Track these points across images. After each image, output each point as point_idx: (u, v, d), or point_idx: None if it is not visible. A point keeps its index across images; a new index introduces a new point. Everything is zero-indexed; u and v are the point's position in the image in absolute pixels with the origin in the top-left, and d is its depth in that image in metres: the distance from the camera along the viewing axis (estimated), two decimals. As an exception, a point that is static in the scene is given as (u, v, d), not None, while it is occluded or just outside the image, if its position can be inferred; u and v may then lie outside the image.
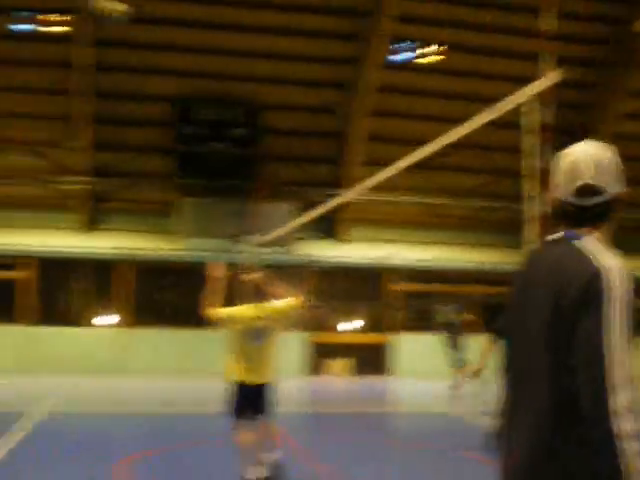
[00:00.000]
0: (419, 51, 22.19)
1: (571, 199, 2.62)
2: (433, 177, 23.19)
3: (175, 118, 22.23)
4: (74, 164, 22.18)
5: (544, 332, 2.48)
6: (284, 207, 20.24)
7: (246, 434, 7.71)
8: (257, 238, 16.24)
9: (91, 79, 21.24)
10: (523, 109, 7.38)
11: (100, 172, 22.38)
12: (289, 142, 22.83)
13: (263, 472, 7.59)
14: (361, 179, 16.91)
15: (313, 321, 22.16)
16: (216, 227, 21.30)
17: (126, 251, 21.78)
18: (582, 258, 2.47)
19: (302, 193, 21.16)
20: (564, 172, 2.65)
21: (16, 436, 10.63)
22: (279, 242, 20.55)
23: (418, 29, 21.92)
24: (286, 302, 8.09)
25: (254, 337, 7.76)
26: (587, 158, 2.62)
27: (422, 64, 22.34)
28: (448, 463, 9.68)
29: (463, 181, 23.77)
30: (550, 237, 2.68)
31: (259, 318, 7.82)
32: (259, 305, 7.91)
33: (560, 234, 2.64)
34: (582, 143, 2.70)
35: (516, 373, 2.65)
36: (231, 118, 22.47)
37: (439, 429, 13.03)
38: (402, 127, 22.02)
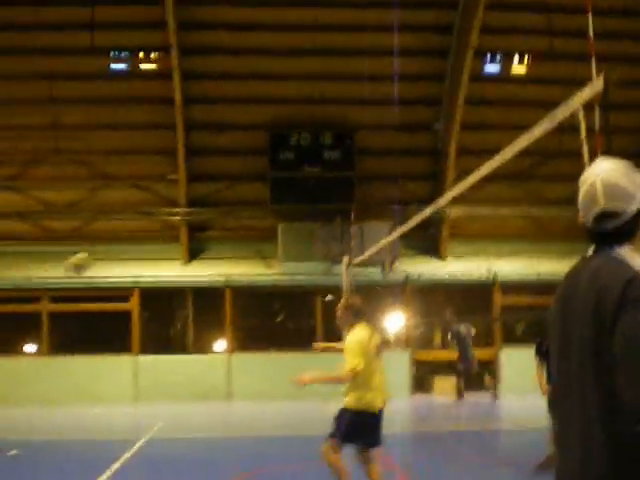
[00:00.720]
0: (506, 62, 21.88)
1: (592, 226, 2.77)
2: (535, 188, 22.81)
3: (269, 145, 22.52)
4: (174, 196, 22.76)
5: (587, 341, 2.57)
6: (382, 226, 20.18)
7: (341, 459, 7.64)
8: (356, 259, 16.19)
9: (185, 112, 21.77)
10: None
11: (198, 202, 22.89)
12: (384, 161, 22.81)
13: None
14: (459, 193, 16.83)
15: (416, 339, 21.98)
16: (314, 250, 21.42)
17: (225, 278, 22.13)
18: (618, 266, 2.61)
19: (400, 211, 21.04)
20: (582, 200, 2.80)
21: (128, 461, 10.88)
22: (379, 262, 20.54)
23: (503, 39, 21.65)
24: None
25: (376, 355, 7.72)
26: (600, 184, 2.72)
27: (511, 74, 22.04)
28: None
29: (564, 190, 23.25)
30: (586, 255, 2.83)
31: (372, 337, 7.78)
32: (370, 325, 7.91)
33: (594, 250, 2.79)
34: (597, 165, 2.82)
35: (562, 387, 2.72)
36: (324, 141, 22.60)
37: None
38: (495, 139, 21.69)
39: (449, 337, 19.43)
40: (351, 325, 7.82)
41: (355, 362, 7.42)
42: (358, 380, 7.48)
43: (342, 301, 8.10)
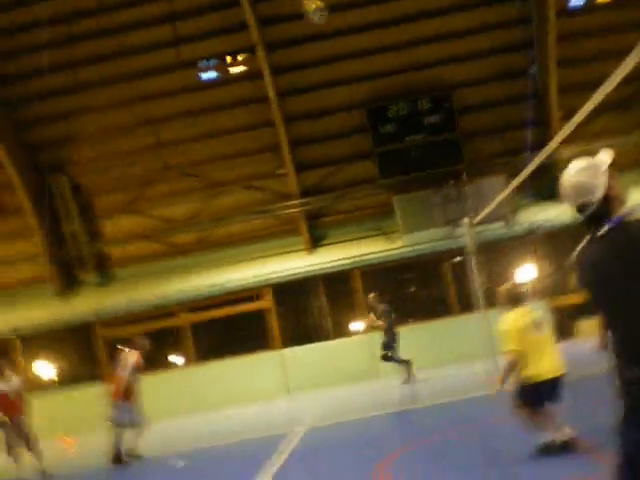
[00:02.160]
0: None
1: (579, 214, 3.65)
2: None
3: (368, 122, 22.54)
4: (286, 189, 23.12)
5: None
6: (496, 181, 19.93)
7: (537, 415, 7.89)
8: (478, 218, 16.07)
9: (281, 106, 22.05)
10: None
11: (310, 191, 23.16)
12: (485, 116, 22.52)
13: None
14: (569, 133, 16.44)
15: (552, 287, 21.63)
16: (433, 217, 21.35)
17: (351, 260, 22.31)
18: None
19: (511, 162, 20.72)
20: (564, 198, 3.73)
21: (293, 452, 11.20)
22: (500, 217, 20.30)
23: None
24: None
25: (537, 327, 7.89)
26: (569, 185, 3.68)
27: (597, 2, 21.36)
28: None
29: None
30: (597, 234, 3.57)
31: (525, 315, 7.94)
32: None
33: (605, 228, 3.52)
34: (567, 170, 3.74)
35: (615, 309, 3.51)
36: (422, 107, 22.45)
37: None
38: (594, 70, 21.07)
39: (379, 314, 18.93)
40: (508, 310, 8.17)
41: (508, 347, 7.90)
42: (523, 359, 7.83)
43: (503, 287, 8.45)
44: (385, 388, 19.48)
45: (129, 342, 14.77)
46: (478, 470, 7.98)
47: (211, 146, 23.08)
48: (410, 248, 22.09)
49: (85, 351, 23.98)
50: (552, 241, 22.49)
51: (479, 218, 16.09)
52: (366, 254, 22.25)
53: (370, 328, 19.99)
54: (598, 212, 3.53)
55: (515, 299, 8.16)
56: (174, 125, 22.94)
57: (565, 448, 7.74)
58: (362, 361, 21.79)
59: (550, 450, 7.79)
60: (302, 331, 23.63)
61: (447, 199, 21.18)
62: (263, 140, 22.94)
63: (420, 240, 21.75)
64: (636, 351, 3.30)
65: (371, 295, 19.41)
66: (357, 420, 13.94)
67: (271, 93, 21.60)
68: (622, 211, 3.53)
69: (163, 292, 22.55)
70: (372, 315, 19.11)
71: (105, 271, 24.24)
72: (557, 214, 21.85)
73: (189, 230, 23.80)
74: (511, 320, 7.98)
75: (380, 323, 18.83)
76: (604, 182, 3.56)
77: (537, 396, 7.82)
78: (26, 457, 13.75)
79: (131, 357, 14.28)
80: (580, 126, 18.70)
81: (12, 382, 14.38)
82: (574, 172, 3.68)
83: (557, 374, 7.83)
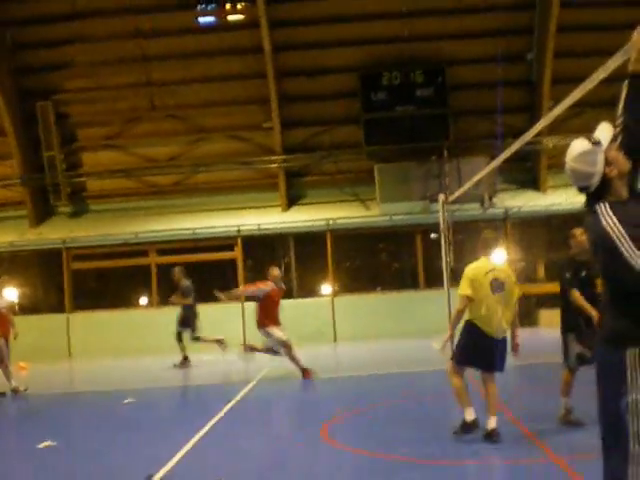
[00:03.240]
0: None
1: (580, 192, 3.97)
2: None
3: (360, 87, 22.48)
4: (271, 144, 23.08)
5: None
6: (478, 161, 20.00)
7: (461, 379, 7.93)
8: (454, 196, 16.16)
9: (275, 60, 21.93)
10: None
11: (294, 149, 23.15)
12: (477, 96, 22.50)
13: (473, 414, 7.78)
14: (556, 123, 16.55)
15: (520, 273, 21.83)
16: (411, 190, 21.43)
17: (325, 222, 22.38)
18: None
19: (496, 145, 20.79)
20: (569, 178, 4.01)
21: (238, 403, 11.35)
22: (477, 198, 20.41)
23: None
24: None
25: (495, 288, 7.89)
26: (569, 170, 3.95)
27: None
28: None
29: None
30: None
31: (492, 271, 7.95)
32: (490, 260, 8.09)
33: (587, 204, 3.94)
34: (567, 153, 3.96)
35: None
36: (415, 79, 22.42)
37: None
38: (589, 65, 21.08)
39: (183, 290, 17.84)
40: (479, 256, 8.11)
41: (460, 289, 7.89)
42: (472, 307, 7.85)
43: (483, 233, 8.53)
44: (340, 352, 19.68)
45: None
46: (412, 439, 8.12)
47: (200, 91, 22.94)
48: (385, 217, 22.19)
49: (51, 280, 24.00)
50: (525, 228, 22.71)
51: (455, 196, 16.17)
52: (340, 218, 22.32)
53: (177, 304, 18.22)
54: (595, 193, 3.84)
55: (487, 247, 8.19)
56: (166, 66, 22.77)
57: (467, 430, 7.79)
58: (322, 323, 21.99)
59: (463, 430, 7.85)
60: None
61: (428, 174, 21.27)
62: (253, 92, 22.82)
63: (396, 211, 21.84)
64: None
65: (176, 268, 18.25)
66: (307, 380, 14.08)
67: (266, 45, 21.45)
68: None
69: (134, 230, 22.52)
70: (176, 295, 18.05)
71: (79, 203, 24.17)
72: (533, 202, 22.03)
73: (168, 172, 23.75)
74: (473, 267, 8.00)
75: (186, 301, 17.91)
76: (600, 168, 3.81)
77: (472, 344, 7.89)
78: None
79: None
80: (567, 119, 18.88)
81: (3, 300, 14.43)
82: (573, 157, 3.90)
83: (496, 335, 7.84)
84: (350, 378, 14.08)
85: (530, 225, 22.88)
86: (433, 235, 21.09)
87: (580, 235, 8.30)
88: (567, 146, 4.05)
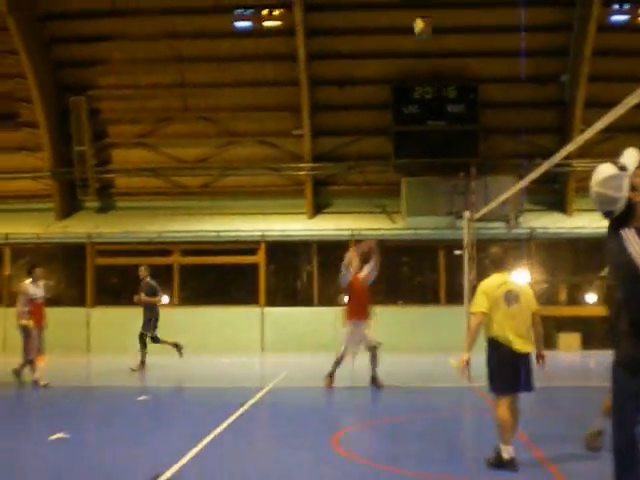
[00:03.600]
0: (634, 9, 20.98)
1: (604, 217, 4.08)
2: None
3: (392, 99, 22.50)
4: (300, 151, 23.15)
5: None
6: (506, 180, 19.92)
7: (506, 409, 7.34)
8: (480, 213, 16.14)
9: (309, 68, 21.98)
10: None
11: (323, 157, 23.20)
12: (509, 115, 22.46)
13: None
14: (586, 146, 16.50)
15: (541, 295, 21.71)
16: (437, 205, 21.40)
17: (350, 232, 22.38)
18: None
19: (525, 165, 20.72)
20: (594, 203, 4.12)
21: (252, 407, 11.36)
22: (502, 217, 20.34)
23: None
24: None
25: (507, 300, 7.64)
26: (595, 195, 4.02)
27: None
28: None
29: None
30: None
31: (506, 283, 7.74)
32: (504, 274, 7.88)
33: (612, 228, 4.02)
34: (593, 178, 4.05)
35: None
36: (448, 95, 22.41)
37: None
38: (623, 90, 20.95)
39: (146, 288, 16.94)
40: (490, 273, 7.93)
41: (474, 306, 7.60)
42: (488, 325, 7.47)
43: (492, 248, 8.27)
44: (357, 363, 19.61)
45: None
46: (425, 454, 8.09)
47: (233, 95, 23.08)
48: (410, 231, 22.19)
49: (74, 274, 24.16)
50: (550, 250, 22.59)
51: (481, 214, 16.15)
52: (365, 229, 22.31)
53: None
54: (620, 218, 3.93)
55: (499, 263, 7.96)
56: (200, 68, 22.93)
57: (506, 466, 7.14)
58: (340, 333, 21.93)
59: (497, 464, 7.19)
60: (288, 292, 23.84)
61: (454, 190, 21.22)
62: (285, 98, 22.92)
63: (421, 225, 21.86)
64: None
65: (142, 267, 17.38)
66: (321, 388, 14.08)
67: (301, 53, 21.53)
68: None
69: (159, 229, 22.65)
70: (140, 295, 17.06)
71: (106, 199, 24.38)
72: (559, 224, 21.93)
73: (196, 174, 23.91)
74: (486, 282, 7.72)
75: (154, 300, 17.18)
76: (626, 194, 3.86)
77: (507, 361, 7.38)
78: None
79: None
80: (597, 143, 18.81)
81: (42, 289, 14.47)
82: (599, 182, 3.93)
83: (521, 349, 7.38)
84: (366, 389, 14.04)
85: (554, 247, 22.76)
86: (457, 252, 21.02)
87: None
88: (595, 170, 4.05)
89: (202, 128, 23.63)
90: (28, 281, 14.28)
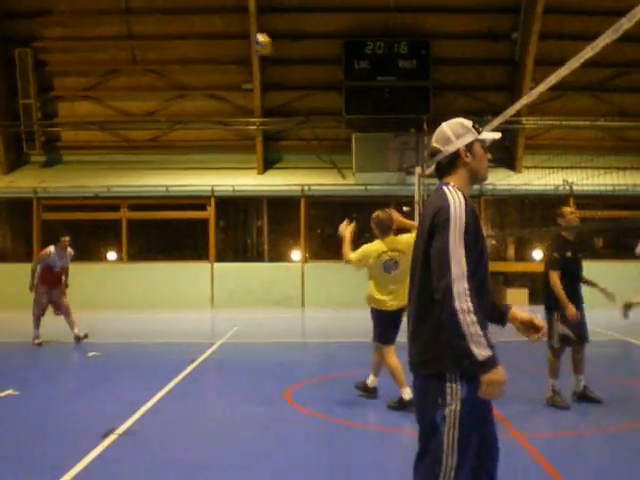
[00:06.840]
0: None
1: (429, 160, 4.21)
2: (610, 99, 22.27)
3: (343, 54, 22.33)
4: (250, 106, 22.90)
5: (422, 250, 3.47)
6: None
7: (394, 357, 8.21)
8: (430, 169, 16.15)
9: (260, 21, 21.65)
10: None
11: (273, 112, 23.01)
12: (460, 71, 22.48)
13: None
14: (535, 104, 16.60)
15: (490, 251, 21.95)
16: (388, 161, 21.40)
17: (300, 188, 22.34)
18: (436, 197, 3.51)
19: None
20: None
21: (202, 363, 11.39)
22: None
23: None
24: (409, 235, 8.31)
25: (386, 268, 8.18)
26: (439, 129, 3.67)
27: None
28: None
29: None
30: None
31: (386, 252, 8.18)
32: (387, 240, 8.20)
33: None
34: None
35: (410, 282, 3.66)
36: (399, 51, 22.30)
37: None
38: (574, 49, 21.06)
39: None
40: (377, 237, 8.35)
41: (350, 256, 8.20)
42: (369, 286, 8.34)
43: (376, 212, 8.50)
44: (307, 318, 19.73)
45: None
46: (376, 407, 8.19)
47: (182, 48, 22.64)
48: (360, 187, 22.19)
49: (21, 229, 23.76)
50: (499, 207, 22.82)
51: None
52: (316, 184, 22.28)
53: None
54: (440, 164, 3.71)
55: (383, 229, 8.26)
56: (148, 20, 22.40)
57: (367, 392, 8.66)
58: (290, 288, 22.06)
59: (362, 390, 8.74)
60: (238, 248, 23.77)
61: (405, 146, 21.21)
62: (235, 52, 22.55)
63: (372, 181, 21.86)
64: None
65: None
66: (273, 344, 14.13)
67: (252, 5, 21.16)
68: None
69: (107, 184, 22.33)
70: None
71: (53, 152, 23.90)
72: (509, 181, 22.10)
73: (144, 127, 23.52)
74: (369, 246, 8.26)
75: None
76: (460, 146, 3.64)
77: (384, 322, 8.24)
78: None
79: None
80: (547, 101, 18.95)
81: (65, 260, 14.33)
82: (451, 121, 3.71)
83: (394, 308, 8.15)
84: (316, 345, 14.11)
85: (504, 204, 22.99)
86: (406, 208, 21.12)
87: (570, 214, 8.30)
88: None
89: (150, 81, 23.21)
90: (52, 249, 14.16)
